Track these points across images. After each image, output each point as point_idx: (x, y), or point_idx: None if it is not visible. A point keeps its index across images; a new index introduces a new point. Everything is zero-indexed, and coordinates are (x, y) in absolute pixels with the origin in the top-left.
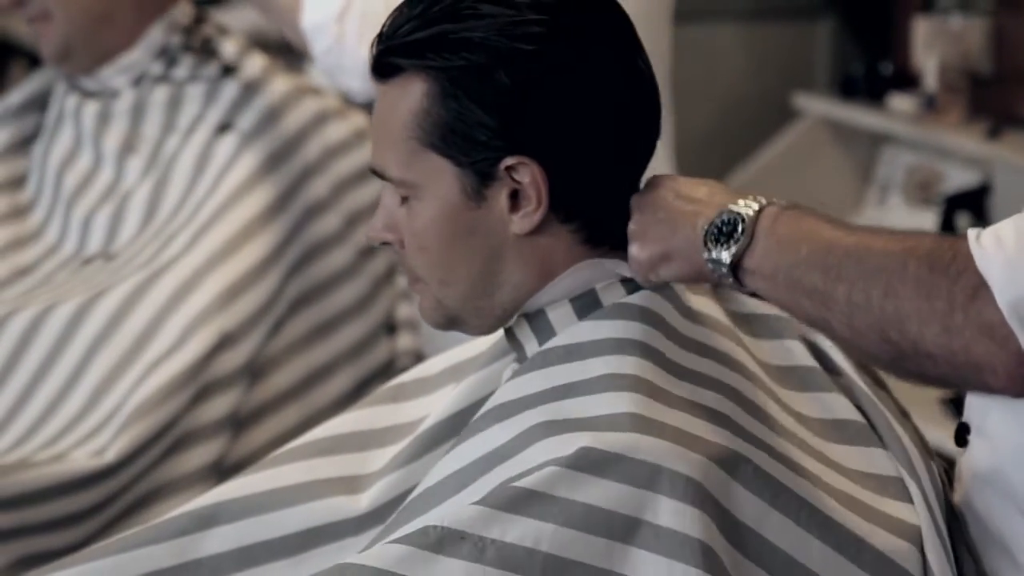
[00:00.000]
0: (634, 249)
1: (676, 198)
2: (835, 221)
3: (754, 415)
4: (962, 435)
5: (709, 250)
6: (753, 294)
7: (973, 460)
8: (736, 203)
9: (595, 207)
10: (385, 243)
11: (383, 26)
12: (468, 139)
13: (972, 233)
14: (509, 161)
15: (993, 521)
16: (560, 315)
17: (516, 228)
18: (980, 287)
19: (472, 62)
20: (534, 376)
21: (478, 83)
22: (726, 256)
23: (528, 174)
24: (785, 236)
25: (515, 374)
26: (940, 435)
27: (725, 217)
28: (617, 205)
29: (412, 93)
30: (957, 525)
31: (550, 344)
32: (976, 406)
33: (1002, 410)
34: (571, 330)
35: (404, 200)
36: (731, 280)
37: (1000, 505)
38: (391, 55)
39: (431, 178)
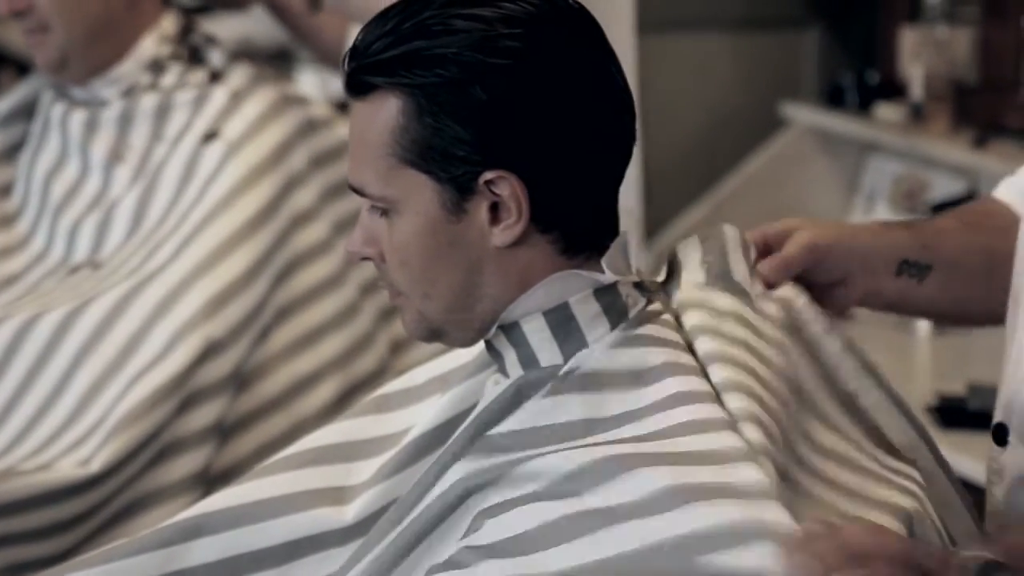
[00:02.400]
0: None
1: None
2: None
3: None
4: (1001, 436)
5: None
6: None
7: (1019, 461)
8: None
9: (574, 217)
10: (365, 258)
11: (355, 42)
12: (446, 154)
13: None
14: (488, 175)
15: None
16: (534, 328)
17: (497, 241)
18: None
19: (447, 78)
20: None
21: (454, 99)
22: None
23: (508, 187)
24: None
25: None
26: None
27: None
28: (595, 213)
29: (387, 110)
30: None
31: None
32: (1018, 408)
33: None
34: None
35: (383, 214)
36: None
37: None
38: (364, 73)
39: (410, 193)
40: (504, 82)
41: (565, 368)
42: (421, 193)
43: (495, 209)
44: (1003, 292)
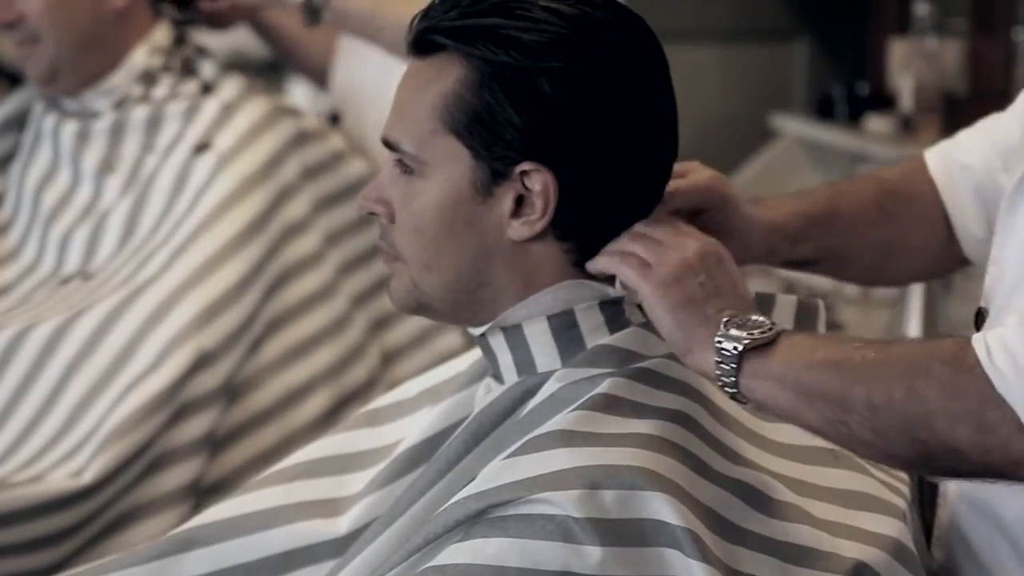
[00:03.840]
0: (648, 274)
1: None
2: (846, 336)
3: (713, 447)
4: (980, 320)
5: (726, 331)
6: (741, 403)
7: (963, 482)
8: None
9: (595, 229)
10: (372, 213)
11: (431, 3)
12: (493, 133)
13: (982, 350)
14: (526, 166)
15: (978, 543)
16: (536, 331)
17: (513, 233)
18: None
19: (518, 61)
20: None
21: (518, 83)
22: (739, 344)
23: (540, 182)
24: (799, 341)
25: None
26: None
27: (753, 317)
28: (615, 233)
29: (448, 75)
30: (939, 543)
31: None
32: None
33: None
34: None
35: (407, 171)
36: (731, 378)
37: (987, 531)
38: (437, 33)
39: (445, 161)
40: (570, 81)
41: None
42: (455, 164)
43: (520, 202)
44: (904, 276)
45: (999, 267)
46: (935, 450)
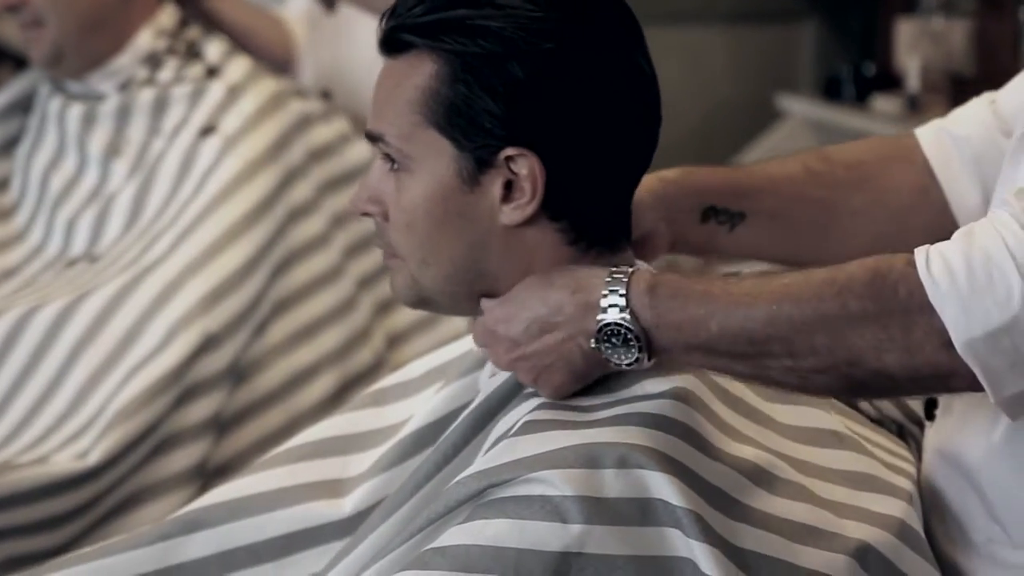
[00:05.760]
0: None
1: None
2: (715, 280)
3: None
4: (930, 410)
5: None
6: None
7: (937, 436)
8: (603, 311)
9: (586, 207)
10: (366, 214)
11: (396, 1)
12: (473, 123)
13: (920, 258)
14: (509, 151)
15: (949, 497)
16: None
17: (505, 219)
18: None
19: (487, 50)
20: None
21: (491, 72)
22: (629, 360)
23: (526, 166)
24: (679, 320)
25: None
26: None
27: (608, 328)
28: (608, 207)
29: (421, 71)
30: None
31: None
32: None
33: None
34: None
35: (394, 167)
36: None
37: (957, 482)
38: (404, 32)
39: (428, 154)
40: (543, 63)
41: None
42: (439, 157)
43: (509, 187)
44: (840, 244)
45: None
46: (865, 380)
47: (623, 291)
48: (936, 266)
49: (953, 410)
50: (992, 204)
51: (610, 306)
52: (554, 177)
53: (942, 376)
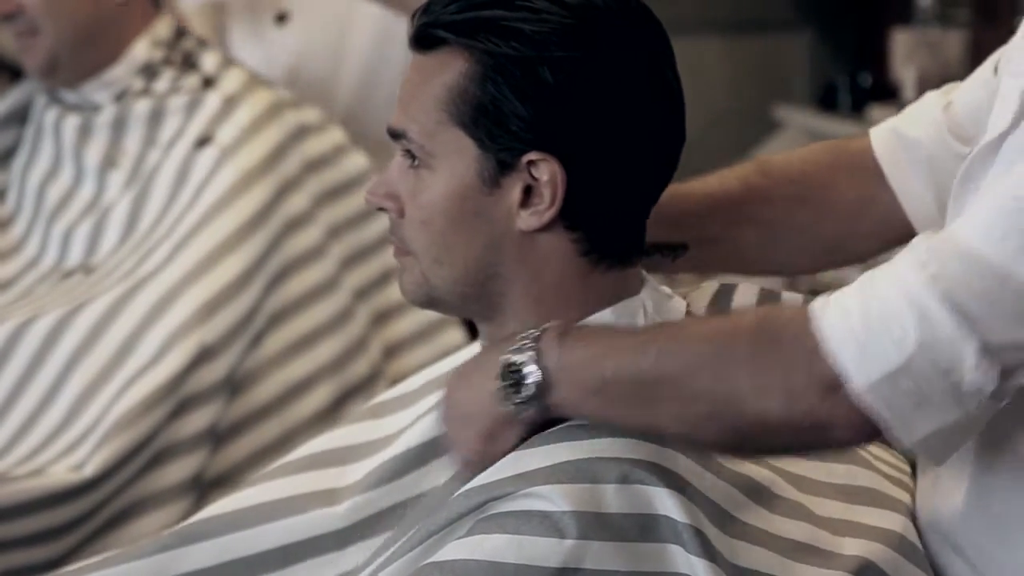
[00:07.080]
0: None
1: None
2: (625, 331)
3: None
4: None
5: (507, 403)
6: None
7: (918, 498)
8: (513, 354)
9: (603, 219)
10: (381, 209)
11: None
12: (499, 125)
13: (817, 305)
14: (533, 156)
15: (939, 562)
16: None
17: (522, 224)
18: (818, 344)
19: (520, 53)
20: None
21: (521, 75)
22: (522, 397)
23: (548, 172)
24: (579, 359)
25: None
26: None
27: (510, 366)
28: (624, 222)
29: (452, 69)
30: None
31: None
32: None
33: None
34: None
35: (414, 164)
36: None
37: (938, 543)
38: (438, 28)
39: (451, 153)
40: (573, 70)
41: None
42: (461, 156)
43: (528, 192)
44: (788, 257)
45: None
46: (746, 431)
47: (536, 333)
48: (832, 312)
49: (927, 472)
50: (947, 220)
51: (518, 348)
52: (574, 186)
53: (820, 427)
